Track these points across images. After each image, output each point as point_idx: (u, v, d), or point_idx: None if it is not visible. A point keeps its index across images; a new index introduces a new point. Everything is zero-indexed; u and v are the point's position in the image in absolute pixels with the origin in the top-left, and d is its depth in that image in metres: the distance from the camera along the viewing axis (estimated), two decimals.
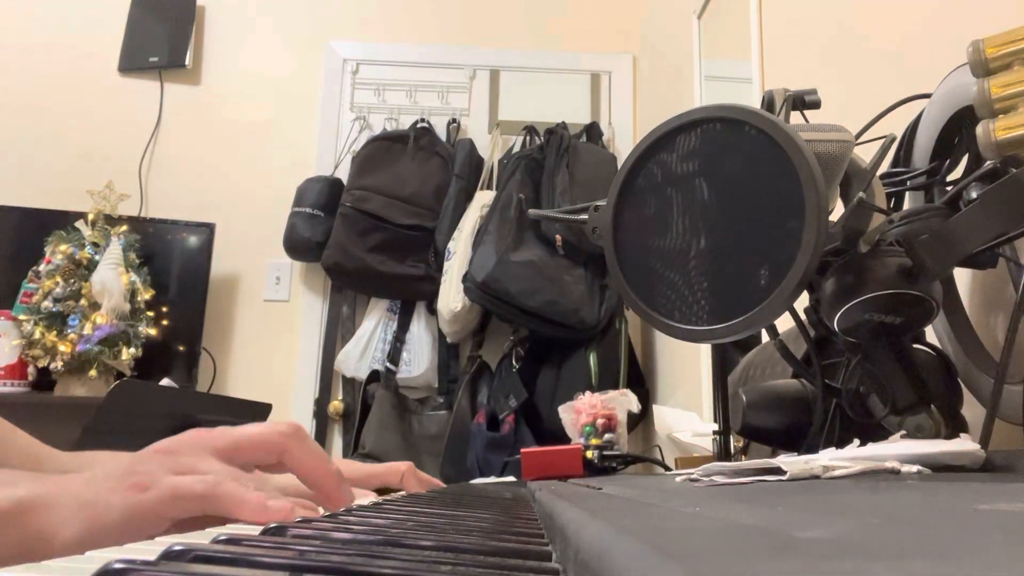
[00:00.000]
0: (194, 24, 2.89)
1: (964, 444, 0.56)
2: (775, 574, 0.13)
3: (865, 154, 0.72)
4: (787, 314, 0.68)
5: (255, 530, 0.35)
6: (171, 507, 0.41)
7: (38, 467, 0.60)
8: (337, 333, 2.71)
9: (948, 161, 0.78)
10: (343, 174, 2.72)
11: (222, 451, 0.46)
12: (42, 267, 2.36)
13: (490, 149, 2.76)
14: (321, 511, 0.47)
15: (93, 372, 2.29)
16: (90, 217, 2.47)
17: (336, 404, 2.66)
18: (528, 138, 2.78)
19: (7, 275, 2.41)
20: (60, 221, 2.46)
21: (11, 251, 2.50)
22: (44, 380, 2.33)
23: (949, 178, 0.79)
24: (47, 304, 2.29)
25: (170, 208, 2.71)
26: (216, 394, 2.47)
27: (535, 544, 0.33)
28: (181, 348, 2.55)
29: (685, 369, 2.14)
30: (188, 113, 2.86)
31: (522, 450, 1.22)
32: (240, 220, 2.74)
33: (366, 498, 0.68)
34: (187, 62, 2.85)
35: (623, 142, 2.83)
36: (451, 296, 2.42)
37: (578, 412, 1.46)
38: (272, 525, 0.35)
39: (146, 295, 2.42)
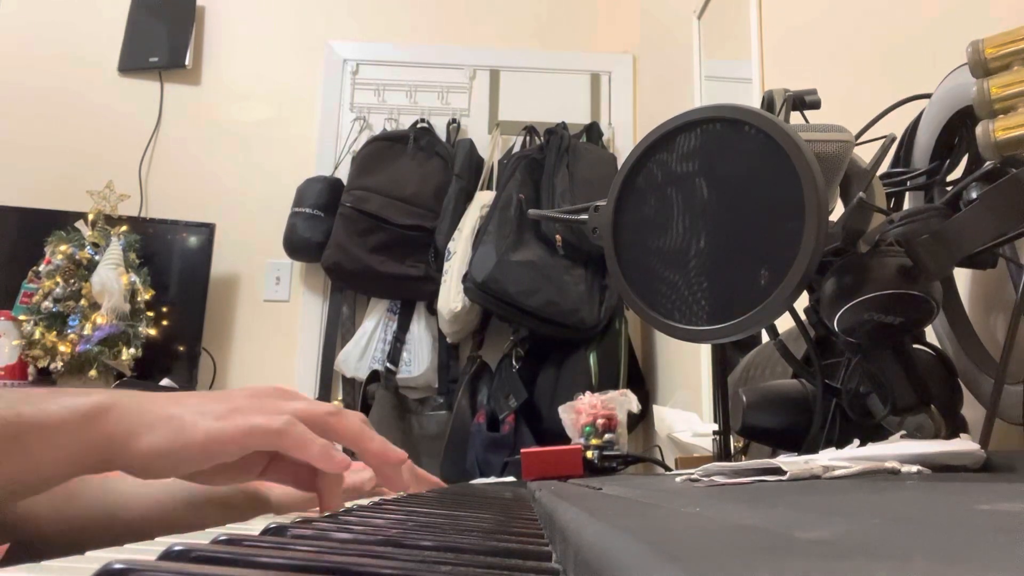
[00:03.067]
0: (194, 24, 2.89)
1: (964, 444, 0.56)
2: (775, 574, 0.13)
3: (865, 154, 0.72)
4: (787, 314, 0.68)
5: (255, 530, 0.35)
6: (248, 439, 0.44)
7: None
8: (337, 333, 2.71)
9: (948, 161, 0.78)
10: (343, 174, 2.72)
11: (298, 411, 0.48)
12: (42, 267, 2.36)
13: (490, 149, 2.76)
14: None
15: (93, 372, 2.29)
16: (90, 217, 2.47)
17: (336, 404, 2.65)
18: (528, 138, 2.78)
19: (7, 275, 2.41)
20: (60, 221, 2.46)
21: (11, 251, 2.50)
22: (44, 380, 2.33)
23: (949, 178, 0.79)
24: (47, 304, 2.29)
25: (170, 208, 2.71)
26: None
27: (535, 544, 0.34)
28: (181, 348, 2.55)
29: (685, 369, 2.14)
30: (188, 113, 2.86)
31: (522, 450, 1.23)
32: (240, 220, 2.74)
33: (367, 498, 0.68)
34: (187, 62, 2.85)
35: (623, 142, 2.83)
36: (451, 296, 2.42)
37: (578, 412, 1.46)
38: (272, 525, 0.35)
39: (146, 295, 2.42)
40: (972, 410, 0.73)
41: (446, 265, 2.48)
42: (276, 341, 2.72)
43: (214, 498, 0.63)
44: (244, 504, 0.65)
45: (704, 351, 1.87)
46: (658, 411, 1.75)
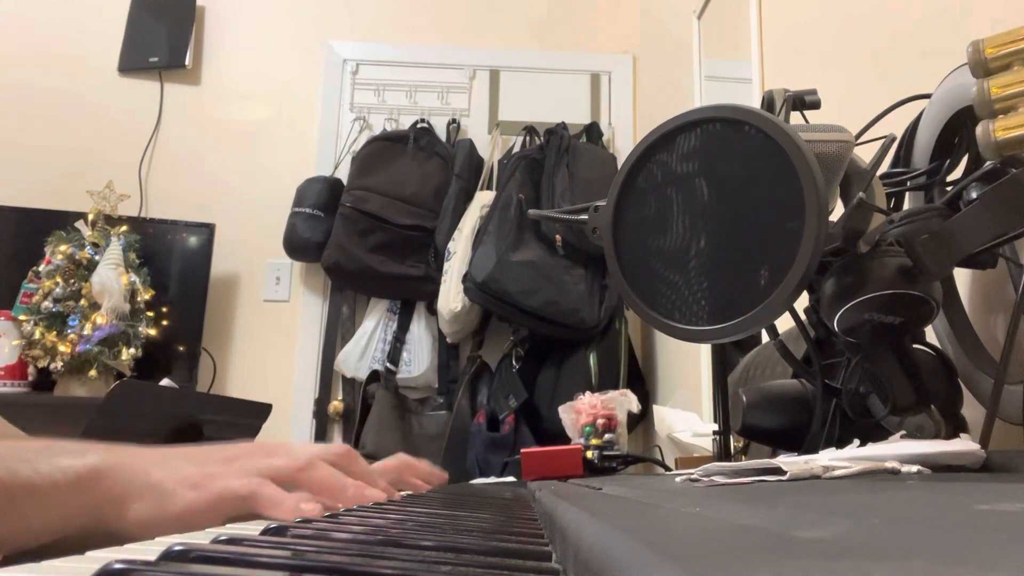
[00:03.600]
0: (194, 24, 2.89)
1: (964, 444, 0.56)
2: (775, 574, 0.13)
3: (865, 154, 0.72)
4: (787, 314, 0.68)
5: (255, 530, 0.35)
6: (221, 505, 0.46)
7: None
8: (337, 333, 2.71)
9: (948, 161, 0.78)
10: (343, 174, 2.72)
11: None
12: (42, 267, 2.35)
13: (490, 149, 2.76)
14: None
15: (93, 372, 2.29)
16: (90, 217, 2.47)
17: (336, 404, 2.66)
18: (528, 138, 2.78)
19: (7, 275, 2.41)
20: (60, 221, 2.46)
21: (11, 251, 2.50)
22: (44, 380, 2.33)
23: (949, 178, 0.79)
24: (47, 304, 2.29)
25: (170, 208, 2.71)
26: (216, 394, 2.47)
27: (535, 544, 0.33)
28: (181, 348, 2.55)
29: (685, 369, 2.14)
30: (188, 113, 2.86)
31: (522, 450, 1.23)
32: (240, 220, 2.74)
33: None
34: (187, 62, 2.85)
35: (623, 142, 2.83)
36: (451, 296, 2.42)
37: (578, 412, 1.46)
38: (272, 525, 0.35)
39: (146, 295, 2.42)
40: (972, 410, 0.73)
41: (446, 265, 2.48)
42: (276, 341, 2.72)
43: None
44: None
45: (704, 351, 1.87)
46: (658, 411, 1.75)
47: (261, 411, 1.69)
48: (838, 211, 0.71)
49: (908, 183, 0.80)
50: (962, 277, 0.85)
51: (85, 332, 2.28)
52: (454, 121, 2.84)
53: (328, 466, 0.52)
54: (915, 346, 0.70)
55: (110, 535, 0.44)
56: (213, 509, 0.46)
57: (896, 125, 0.81)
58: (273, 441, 0.55)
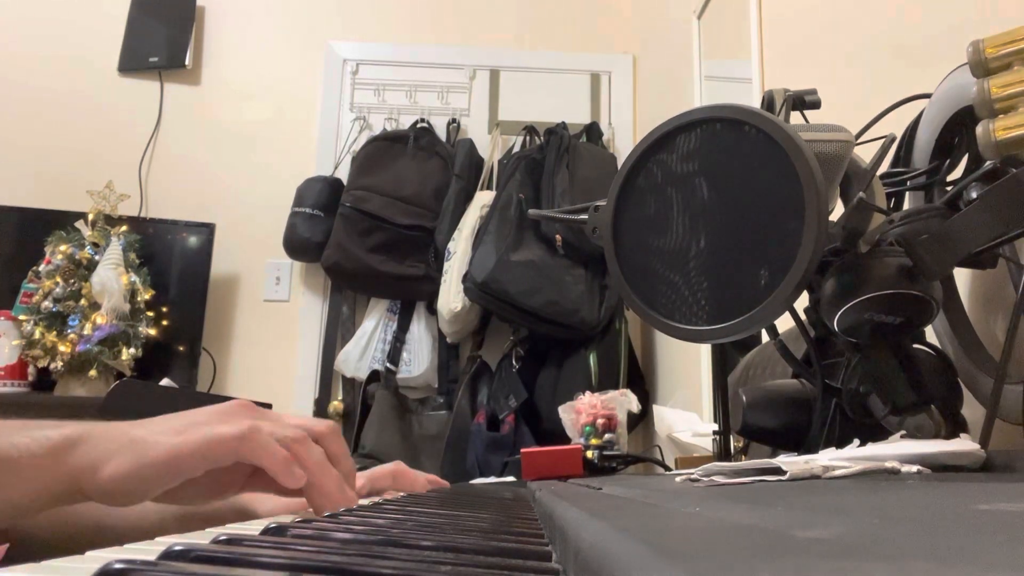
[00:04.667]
0: (194, 24, 2.88)
1: (964, 444, 0.56)
2: (775, 574, 0.13)
3: (865, 154, 0.72)
4: (787, 314, 0.68)
5: (255, 530, 0.35)
6: (209, 448, 0.43)
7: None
8: (337, 333, 2.71)
9: (948, 161, 0.78)
10: (343, 174, 2.72)
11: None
12: (42, 267, 2.35)
13: (490, 149, 2.76)
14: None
15: (93, 372, 2.29)
16: (90, 217, 2.47)
17: (336, 404, 2.66)
18: (528, 138, 2.77)
19: (7, 275, 2.41)
20: (60, 221, 2.46)
21: (11, 251, 2.50)
22: (44, 380, 2.33)
23: (949, 178, 0.79)
24: (47, 304, 2.29)
25: (170, 208, 2.71)
26: (216, 394, 2.47)
27: (535, 544, 0.33)
28: (181, 348, 2.55)
29: (685, 369, 2.14)
30: (188, 113, 2.86)
31: (522, 450, 1.23)
32: (240, 220, 2.74)
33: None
34: (187, 62, 2.85)
35: (623, 142, 2.83)
36: (451, 296, 2.42)
37: (578, 412, 1.46)
38: (272, 525, 0.35)
39: (146, 295, 2.42)
40: (972, 410, 0.73)
41: (446, 265, 2.48)
42: (276, 341, 2.72)
43: (201, 512, 0.63)
44: (233, 518, 0.65)
45: (704, 351, 1.87)
46: (658, 411, 1.75)
47: None
48: (838, 211, 0.71)
49: (908, 183, 0.80)
50: (962, 277, 0.85)
51: (85, 332, 2.28)
52: (454, 121, 2.84)
53: (316, 446, 0.50)
54: (915, 346, 0.70)
55: (89, 499, 0.43)
56: (199, 452, 0.43)
57: (896, 125, 0.81)
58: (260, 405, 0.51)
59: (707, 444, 1.24)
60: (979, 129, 0.58)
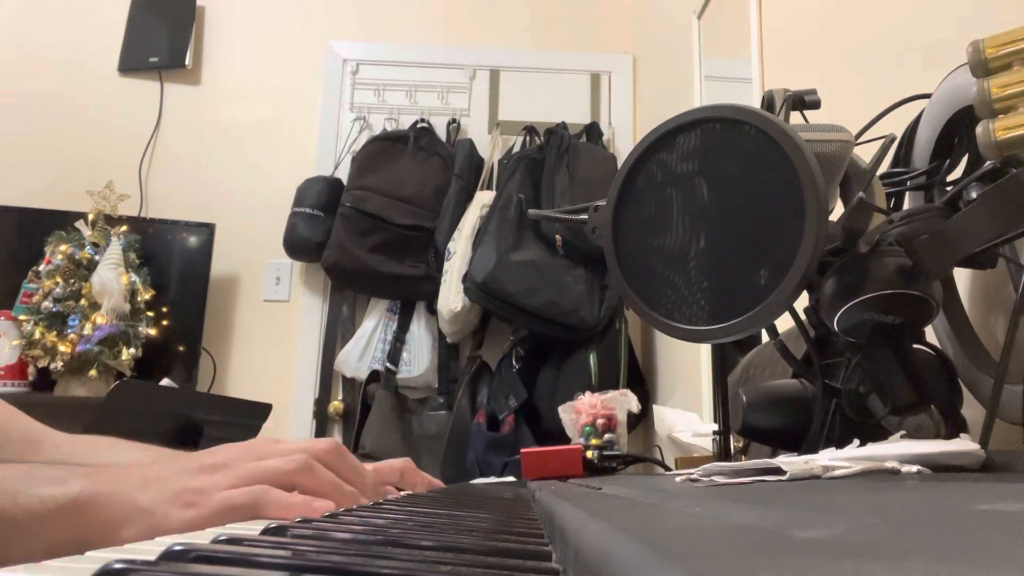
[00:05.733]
0: (194, 24, 2.89)
1: (964, 444, 0.56)
2: (775, 574, 0.13)
3: (865, 154, 0.72)
4: (787, 314, 0.68)
5: (255, 530, 0.35)
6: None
7: (36, 449, 0.61)
8: (337, 333, 2.71)
9: (948, 161, 0.78)
10: (343, 174, 2.72)
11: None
12: (42, 267, 2.35)
13: (490, 149, 2.76)
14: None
15: (93, 372, 2.29)
16: (90, 217, 2.47)
17: (336, 404, 2.66)
18: (528, 138, 2.78)
19: (7, 275, 2.41)
20: (60, 221, 2.46)
21: (11, 251, 2.50)
22: (44, 380, 2.33)
23: (949, 178, 0.79)
24: (47, 304, 2.29)
25: (170, 208, 2.71)
26: (216, 394, 2.47)
27: (535, 544, 0.33)
28: (181, 348, 2.55)
29: (685, 369, 2.14)
30: (188, 113, 2.86)
31: (522, 450, 1.22)
32: (240, 220, 2.74)
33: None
34: (187, 62, 2.85)
35: (623, 142, 2.83)
36: (451, 296, 2.42)
37: (578, 412, 1.46)
38: (272, 525, 0.35)
39: (146, 295, 2.42)
40: (972, 410, 0.73)
41: (446, 265, 2.48)
42: (276, 341, 2.72)
43: None
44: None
45: (704, 351, 1.87)
46: (658, 411, 1.75)
47: (261, 411, 1.69)
48: (838, 211, 0.71)
49: (908, 183, 0.80)
50: (962, 277, 0.85)
51: (85, 332, 2.28)
52: (454, 121, 2.84)
53: (324, 469, 0.50)
54: (915, 346, 0.70)
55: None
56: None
57: (896, 125, 0.81)
58: (259, 439, 0.52)
59: (707, 444, 1.24)
60: (979, 129, 0.58)
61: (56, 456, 0.62)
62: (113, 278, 2.32)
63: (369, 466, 0.80)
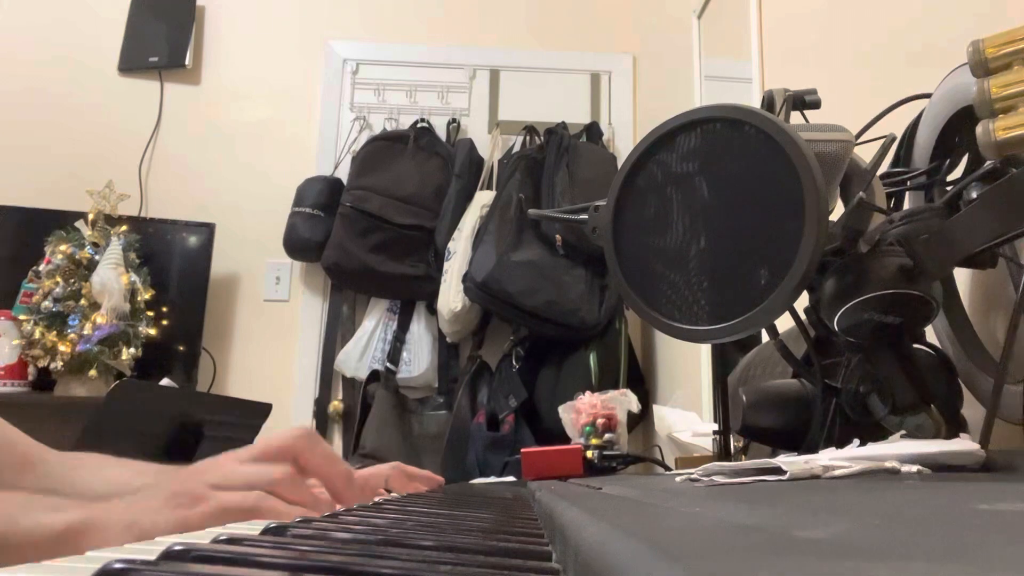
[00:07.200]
0: (194, 24, 2.88)
1: (964, 444, 0.56)
2: (775, 574, 0.13)
3: (865, 154, 0.72)
4: (787, 314, 0.68)
5: (255, 530, 0.35)
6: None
7: (30, 466, 0.61)
8: (337, 333, 2.71)
9: (948, 161, 0.78)
10: (343, 174, 2.72)
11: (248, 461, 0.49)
12: (42, 267, 2.35)
13: (490, 149, 2.75)
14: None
15: (93, 372, 2.29)
16: (90, 217, 2.47)
17: (336, 404, 2.66)
18: (528, 138, 2.77)
19: (7, 275, 2.41)
20: (60, 221, 2.46)
21: (11, 251, 2.50)
22: (44, 380, 2.33)
23: (949, 178, 0.79)
24: (47, 304, 2.29)
25: (170, 208, 2.71)
26: (216, 394, 2.47)
27: (535, 544, 0.33)
28: (181, 348, 2.55)
29: (685, 369, 2.14)
30: (188, 113, 2.86)
31: (522, 450, 1.23)
32: (240, 220, 2.74)
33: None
34: (187, 62, 2.85)
35: (623, 142, 2.83)
36: (451, 296, 2.42)
37: (578, 412, 1.46)
38: (272, 525, 0.35)
39: (146, 295, 2.42)
40: (972, 410, 0.73)
41: (446, 265, 2.48)
42: (276, 341, 2.72)
43: None
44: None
45: (704, 351, 1.87)
46: (658, 411, 1.75)
47: (261, 411, 1.69)
48: (838, 211, 0.71)
49: (908, 183, 0.80)
50: (962, 277, 0.85)
51: (85, 332, 2.28)
52: (454, 121, 2.84)
53: (303, 482, 0.50)
54: (915, 346, 0.70)
55: None
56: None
57: (896, 125, 0.81)
58: (229, 454, 0.51)
59: (707, 444, 1.24)
60: (979, 129, 0.58)
61: (48, 476, 0.63)
62: (113, 278, 2.32)
63: (356, 475, 0.80)
